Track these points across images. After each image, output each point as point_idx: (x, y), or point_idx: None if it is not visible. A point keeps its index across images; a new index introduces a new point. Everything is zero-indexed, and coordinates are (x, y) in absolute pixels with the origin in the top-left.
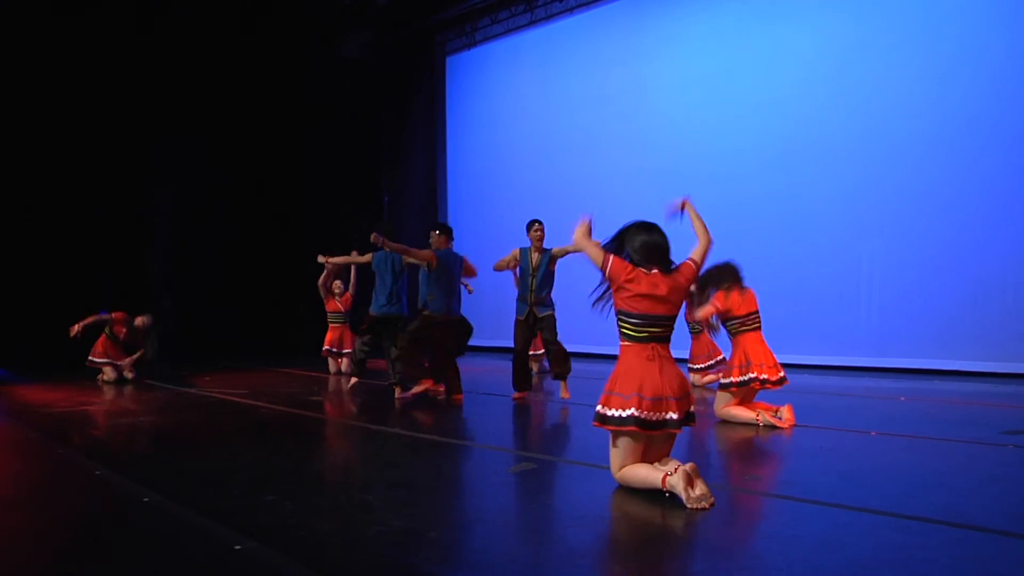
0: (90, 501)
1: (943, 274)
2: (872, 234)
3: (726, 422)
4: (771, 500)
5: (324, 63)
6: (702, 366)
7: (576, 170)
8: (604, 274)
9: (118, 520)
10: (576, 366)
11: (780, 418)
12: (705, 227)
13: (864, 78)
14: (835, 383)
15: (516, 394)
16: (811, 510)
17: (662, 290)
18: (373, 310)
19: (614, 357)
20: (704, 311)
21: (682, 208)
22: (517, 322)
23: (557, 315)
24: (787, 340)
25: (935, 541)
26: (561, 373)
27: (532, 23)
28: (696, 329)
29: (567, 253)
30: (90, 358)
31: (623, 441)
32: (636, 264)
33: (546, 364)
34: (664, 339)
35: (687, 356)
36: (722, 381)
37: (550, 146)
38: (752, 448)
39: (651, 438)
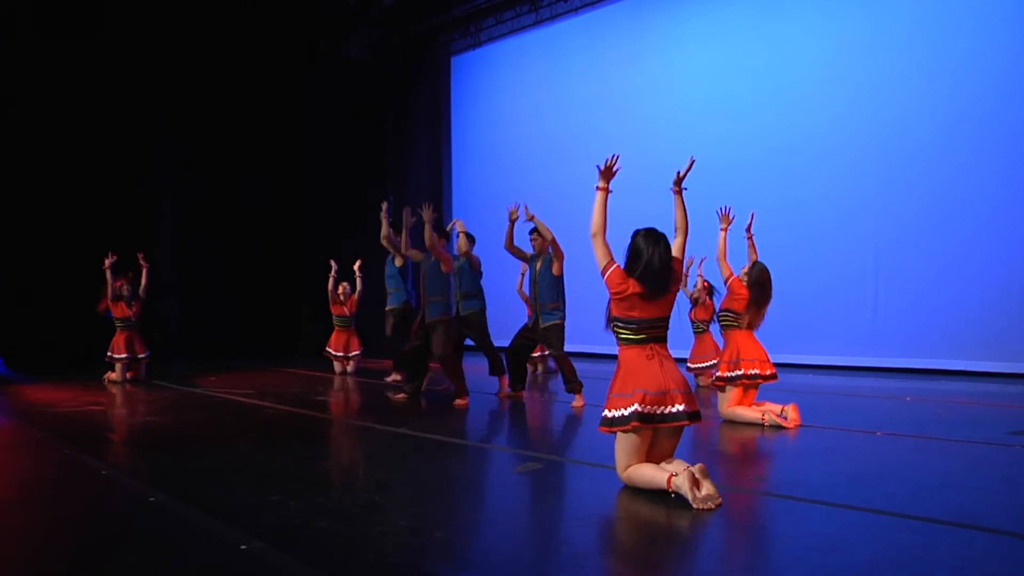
0: (96, 501)
1: (950, 274)
2: (878, 234)
3: (731, 422)
4: (776, 500)
5: (328, 64)
6: (703, 365)
7: (581, 170)
8: (603, 276)
9: (124, 520)
10: (578, 366)
11: (785, 418)
12: (686, 220)
13: (868, 79)
14: (841, 383)
15: (502, 392)
16: (817, 510)
17: (654, 298)
18: (463, 310)
19: (615, 357)
20: (725, 265)
21: (680, 181)
22: (525, 324)
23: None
24: (793, 340)
25: (943, 542)
26: (571, 389)
27: (537, 23)
28: (700, 329)
29: (545, 232)
30: (108, 354)
31: (627, 439)
32: (631, 274)
33: (551, 364)
34: (661, 339)
35: (687, 356)
36: (715, 375)
37: (555, 146)
38: (757, 448)
39: (657, 431)
